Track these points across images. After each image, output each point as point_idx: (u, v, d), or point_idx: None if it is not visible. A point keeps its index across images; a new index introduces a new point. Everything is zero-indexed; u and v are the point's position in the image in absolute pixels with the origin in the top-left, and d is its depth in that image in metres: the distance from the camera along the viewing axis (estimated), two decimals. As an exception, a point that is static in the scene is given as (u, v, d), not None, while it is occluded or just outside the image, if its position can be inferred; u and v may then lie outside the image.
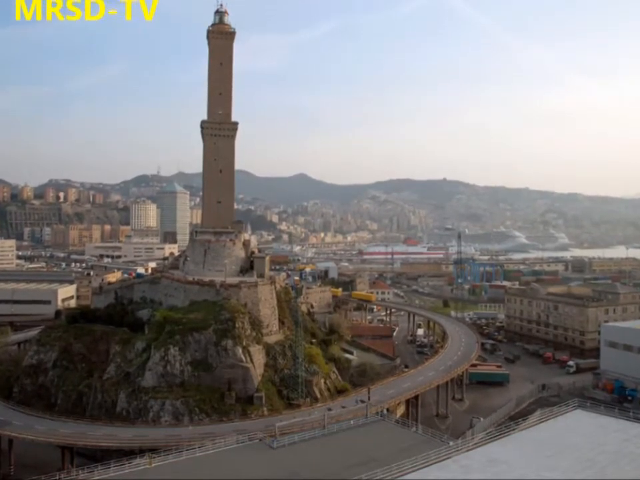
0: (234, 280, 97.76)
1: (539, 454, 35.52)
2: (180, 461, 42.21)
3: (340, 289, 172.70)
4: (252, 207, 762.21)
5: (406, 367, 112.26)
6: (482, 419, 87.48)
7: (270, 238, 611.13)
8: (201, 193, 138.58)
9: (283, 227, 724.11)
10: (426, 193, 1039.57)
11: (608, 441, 37.80)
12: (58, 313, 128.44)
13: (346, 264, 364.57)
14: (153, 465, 41.20)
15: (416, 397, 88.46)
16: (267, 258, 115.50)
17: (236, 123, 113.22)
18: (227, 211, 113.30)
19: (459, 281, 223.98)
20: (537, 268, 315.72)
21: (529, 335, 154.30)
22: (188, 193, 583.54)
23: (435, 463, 34.42)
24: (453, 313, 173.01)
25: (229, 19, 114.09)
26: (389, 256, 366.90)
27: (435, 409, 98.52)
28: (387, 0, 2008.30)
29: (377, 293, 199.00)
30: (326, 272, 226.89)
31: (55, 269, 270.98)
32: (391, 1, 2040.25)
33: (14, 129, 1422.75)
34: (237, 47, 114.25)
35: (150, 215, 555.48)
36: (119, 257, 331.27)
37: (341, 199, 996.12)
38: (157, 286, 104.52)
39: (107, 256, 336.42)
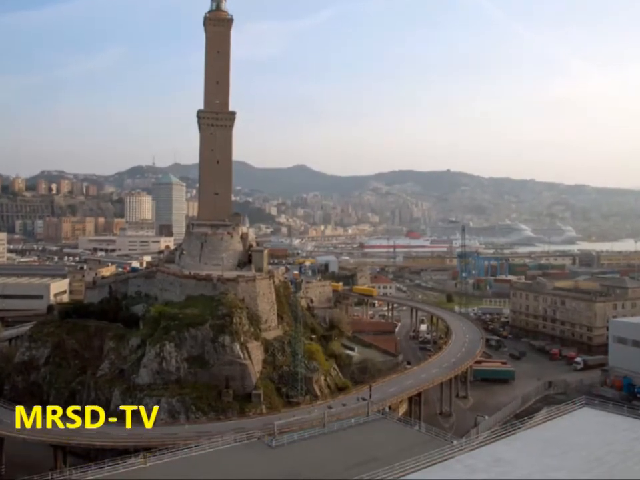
0: (231, 274, 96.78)
1: (545, 453, 34.82)
2: (176, 461, 41.77)
3: (340, 284, 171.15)
4: (250, 199, 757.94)
5: (408, 363, 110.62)
6: (486, 417, 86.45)
7: (268, 231, 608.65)
8: (197, 185, 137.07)
9: (282, 219, 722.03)
10: (429, 185, 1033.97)
11: (616, 440, 37.02)
12: (50, 308, 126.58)
13: (347, 257, 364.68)
14: (148, 464, 40.69)
15: (419, 395, 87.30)
16: (266, 251, 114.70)
17: (233, 113, 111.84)
18: (224, 203, 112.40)
19: (463, 275, 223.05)
20: (543, 262, 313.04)
21: (535, 330, 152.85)
22: (184, 184, 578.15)
23: (439, 462, 33.74)
24: (456, 308, 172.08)
25: (227, 6, 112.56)
26: (391, 249, 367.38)
27: (439, 406, 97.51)
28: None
29: (379, 287, 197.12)
30: (326, 266, 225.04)
31: (47, 263, 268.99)
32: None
33: (5, 119, 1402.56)
34: (235, 35, 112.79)
35: (145, 207, 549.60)
36: (113, 250, 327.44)
37: (342, 190, 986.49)
38: (152, 280, 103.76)
39: (101, 249, 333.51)
